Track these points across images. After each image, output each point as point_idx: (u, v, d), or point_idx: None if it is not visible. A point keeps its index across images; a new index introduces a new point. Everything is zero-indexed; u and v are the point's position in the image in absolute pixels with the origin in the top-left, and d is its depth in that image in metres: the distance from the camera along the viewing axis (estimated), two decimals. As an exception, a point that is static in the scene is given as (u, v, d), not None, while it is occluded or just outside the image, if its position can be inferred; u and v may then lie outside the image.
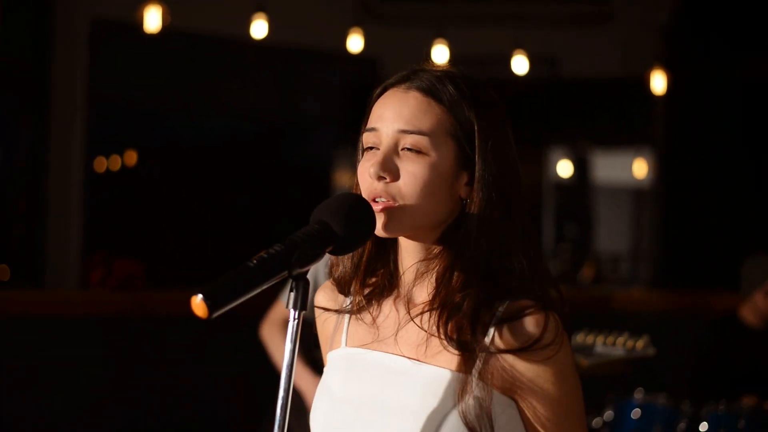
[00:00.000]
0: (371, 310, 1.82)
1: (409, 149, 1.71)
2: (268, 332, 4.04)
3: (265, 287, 1.65)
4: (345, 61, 7.89)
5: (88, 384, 5.35)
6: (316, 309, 1.92)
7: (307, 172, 9.02)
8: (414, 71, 1.77)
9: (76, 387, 5.33)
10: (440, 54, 6.26)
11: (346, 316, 1.85)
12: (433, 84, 1.73)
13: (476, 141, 1.72)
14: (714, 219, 8.05)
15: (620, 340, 4.03)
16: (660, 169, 8.48)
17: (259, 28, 5.88)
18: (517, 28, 7.19)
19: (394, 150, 1.72)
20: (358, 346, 1.81)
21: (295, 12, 7.70)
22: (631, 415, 4.94)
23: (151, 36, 6.16)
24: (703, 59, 7.94)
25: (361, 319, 1.83)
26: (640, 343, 4.04)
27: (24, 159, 7.45)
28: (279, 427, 1.64)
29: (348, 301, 1.86)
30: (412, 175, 1.70)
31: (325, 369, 1.87)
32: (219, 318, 4.28)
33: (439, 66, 1.80)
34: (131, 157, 9.31)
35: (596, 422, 4.99)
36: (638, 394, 5.02)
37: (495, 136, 1.73)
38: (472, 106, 1.72)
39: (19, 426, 5.22)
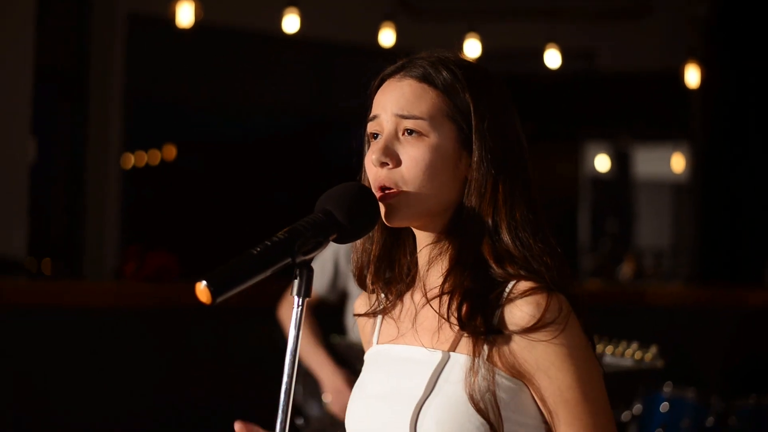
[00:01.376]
0: (396, 305, 1.84)
1: (409, 132, 1.73)
2: (285, 313, 4.09)
3: (268, 274, 1.67)
4: (380, 55, 7.90)
5: (126, 374, 5.40)
6: (357, 320, 1.95)
7: (343, 166, 9.03)
8: (409, 60, 1.79)
9: (114, 377, 5.38)
10: (472, 48, 6.25)
11: (379, 318, 1.88)
12: (426, 70, 1.75)
13: (473, 120, 1.73)
14: (751, 213, 7.99)
15: (629, 351, 4.01)
16: (697, 163, 8.42)
17: (291, 23, 5.91)
18: (551, 22, 7.17)
19: (395, 135, 1.75)
20: (387, 342, 1.84)
21: (330, 6, 7.72)
22: (660, 409, 4.92)
23: (187, 31, 6.21)
24: (740, 52, 7.88)
25: (390, 316, 1.85)
26: (648, 355, 4.02)
27: (62, 153, 7.54)
28: (282, 411, 1.67)
29: (376, 300, 1.88)
30: (413, 159, 1.72)
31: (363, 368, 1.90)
32: (253, 309, 4.32)
33: (433, 53, 1.81)
34: (169, 152, 9.39)
35: (625, 416, 4.97)
36: (667, 388, 5.01)
37: (492, 114, 1.74)
38: (466, 88, 1.74)
39: (57, 416, 5.28)
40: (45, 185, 7.49)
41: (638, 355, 3.99)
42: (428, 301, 1.75)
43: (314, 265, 4.07)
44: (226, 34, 7.99)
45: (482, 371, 1.67)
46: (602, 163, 10.83)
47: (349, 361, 3.95)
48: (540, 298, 1.66)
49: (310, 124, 9.30)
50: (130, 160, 8.86)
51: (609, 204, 11.34)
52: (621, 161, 11.24)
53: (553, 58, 6.51)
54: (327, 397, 4.06)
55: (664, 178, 11.80)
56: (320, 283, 4.01)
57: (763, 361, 5.44)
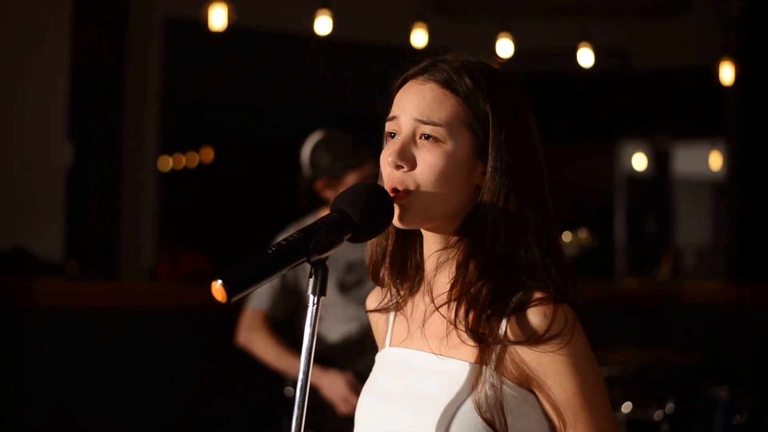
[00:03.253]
0: (406, 307, 1.86)
1: (426, 137, 1.74)
2: (245, 337, 4.11)
3: (283, 273, 1.69)
4: (413, 55, 7.92)
5: (160, 374, 5.45)
6: (369, 315, 1.97)
7: (379, 166, 9.04)
8: (433, 62, 1.81)
9: (148, 377, 5.43)
10: (505, 48, 6.25)
11: (391, 316, 1.90)
12: (449, 76, 1.76)
13: (490, 131, 1.74)
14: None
15: (566, 238, 4.05)
16: (734, 161, 8.36)
17: (324, 24, 5.94)
18: (584, 21, 7.15)
19: (412, 139, 1.76)
20: (397, 345, 1.86)
21: (362, 7, 7.74)
22: (693, 408, 4.90)
23: (221, 34, 6.25)
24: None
25: (402, 313, 1.87)
26: (584, 237, 4.08)
27: (99, 156, 7.61)
28: (299, 407, 1.69)
29: (390, 296, 1.89)
30: (428, 164, 1.73)
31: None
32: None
33: (458, 57, 1.82)
34: (208, 154, 9.45)
35: (658, 414, 4.96)
36: (700, 387, 4.98)
37: (510, 126, 1.74)
38: (487, 97, 1.74)
39: (91, 415, 5.33)
40: (82, 189, 7.56)
41: (575, 240, 4.03)
42: (437, 308, 1.77)
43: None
44: (259, 36, 8.03)
45: (489, 380, 1.69)
46: (639, 161, 10.77)
47: (336, 363, 3.97)
48: (547, 309, 1.68)
49: (345, 124, 9.32)
50: (168, 162, 8.93)
51: (647, 203, 11.27)
52: (659, 160, 11.17)
53: (586, 57, 6.49)
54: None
55: (703, 177, 11.71)
56: (265, 301, 4.03)
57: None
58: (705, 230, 11.78)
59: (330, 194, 4.11)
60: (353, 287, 4.01)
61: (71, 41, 6.52)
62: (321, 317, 4.10)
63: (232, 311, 5.60)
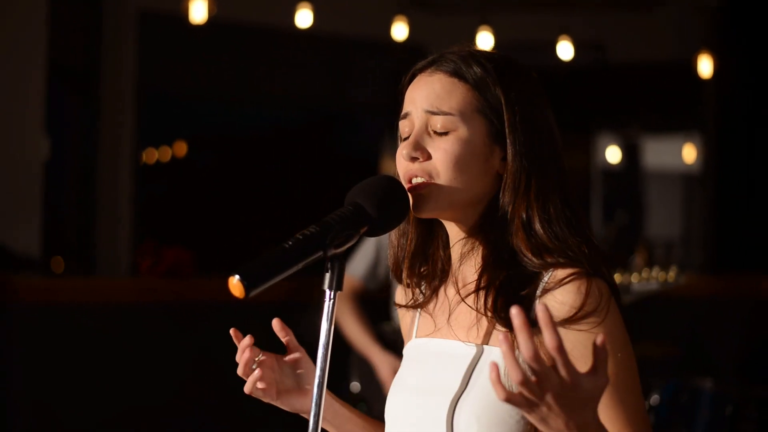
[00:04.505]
0: (432, 299, 1.84)
1: (438, 133, 1.74)
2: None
3: (299, 268, 1.67)
4: (392, 49, 7.91)
5: (140, 370, 5.41)
6: (398, 308, 1.96)
7: (355, 160, 9.04)
8: (440, 55, 1.80)
9: (131, 373, 5.39)
10: (485, 41, 6.25)
11: (418, 310, 1.88)
12: (457, 65, 1.76)
13: (504, 114, 1.73)
14: (763, 203, 7.97)
15: (653, 274, 4.08)
16: (709, 153, 8.41)
17: (304, 18, 5.92)
18: (562, 14, 7.16)
19: (425, 131, 1.75)
20: (424, 336, 1.84)
21: (342, 0, 7.72)
22: (678, 400, 4.92)
23: (199, 27, 6.22)
24: (752, 42, 7.86)
25: (426, 310, 1.86)
26: (672, 275, 4.11)
27: (75, 150, 7.55)
28: (316, 404, 1.67)
29: (412, 295, 1.88)
30: (443, 150, 1.72)
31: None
32: (269, 304, 4.33)
33: (465, 47, 1.82)
34: (181, 148, 9.40)
35: (642, 407, 4.98)
36: (685, 379, 5.00)
37: (523, 107, 1.74)
38: (497, 81, 1.74)
39: (73, 413, 5.29)
40: (58, 183, 7.50)
41: (662, 276, 4.06)
42: (463, 298, 1.75)
43: (357, 253, 4.13)
44: (238, 30, 7.99)
45: (523, 364, 1.66)
46: (613, 154, 10.82)
47: (398, 347, 4.02)
48: (580, 284, 1.66)
49: (321, 118, 9.31)
50: (143, 156, 8.87)
51: (620, 195, 11.33)
52: (630, 152, 11.22)
53: (565, 50, 6.51)
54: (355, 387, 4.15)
55: (675, 169, 11.78)
56: (361, 270, 4.12)
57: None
58: (675, 223, 11.85)
59: None
60: None
61: (47, 35, 6.46)
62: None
63: (216, 306, 5.58)
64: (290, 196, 8.87)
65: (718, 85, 7.72)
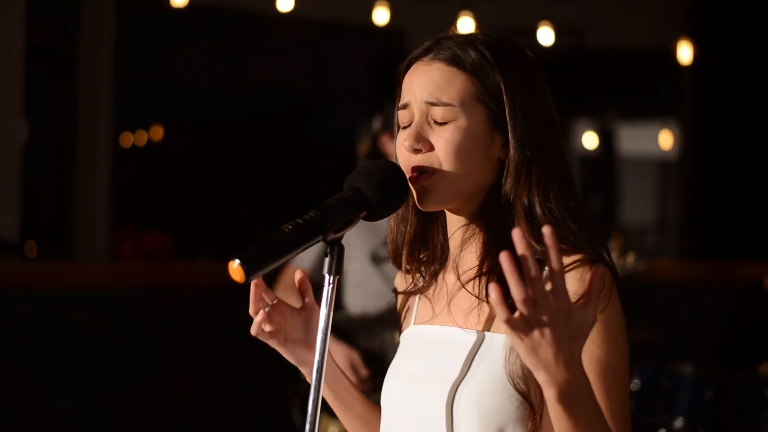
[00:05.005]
0: (431, 285, 1.84)
1: (439, 123, 1.73)
2: (280, 294, 4.13)
3: (299, 252, 1.68)
4: (371, 34, 7.89)
5: (121, 355, 5.40)
6: (396, 293, 1.95)
7: (332, 144, 9.04)
8: (436, 41, 1.78)
9: (110, 358, 5.38)
10: (466, 26, 6.24)
11: (416, 297, 1.87)
12: (454, 52, 1.74)
13: (505, 101, 1.73)
14: (741, 189, 8.02)
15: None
16: (687, 140, 8.44)
17: (285, 2, 5.89)
18: (543, -1, 7.17)
19: (426, 121, 1.74)
20: (423, 323, 1.84)
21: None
22: (658, 385, 4.94)
23: (177, 10, 6.18)
24: (732, 28, 7.89)
25: (426, 295, 1.85)
26: (630, 261, 4.13)
27: (52, 134, 7.51)
28: (315, 390, 1.67)
29: (412, 281, 1.88)
30: (445, 140, 1.71)
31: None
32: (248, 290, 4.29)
33: (461, 32, 1.81)
34: (159, 132, 9.37)
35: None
36: (665, 364, 5.03)
37: (523, 93, 1.73)
38: (496, 68, 1.73)
39: (51, 399, 5.27)
40: (36, 166, 7.46)
41: (620, 262, 4.06)
42: (463, 285, 1.75)
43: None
44: (218, 13, 7.96)
45: None
46: (590, 140, 10.85)
47: (352, 335, 3.99)
48: (584, 272, 1.66)
49: (299, 103, 9.29)
50: (120, 139, 8.83)
51: (595, 181, 11.38)
52: (607, 138, 11.26)
53: (546, 36, 6.50)
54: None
55: (650, 156, 11.83)
56: (309, 260, 4.04)
57: (758, 335, 5.47)
58: (650, 209, 11.91)
59: (392, 148, 4.13)
60: (386, 261, 4.03)
61: (25, 17, 6.41)
62: (346, 284, 4.13)
63: (195, 290, 5.57)
64: (267, 181, 8.86)
65: (697, 71, 7.75)
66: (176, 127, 9.28)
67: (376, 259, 4.05)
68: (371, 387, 3.65)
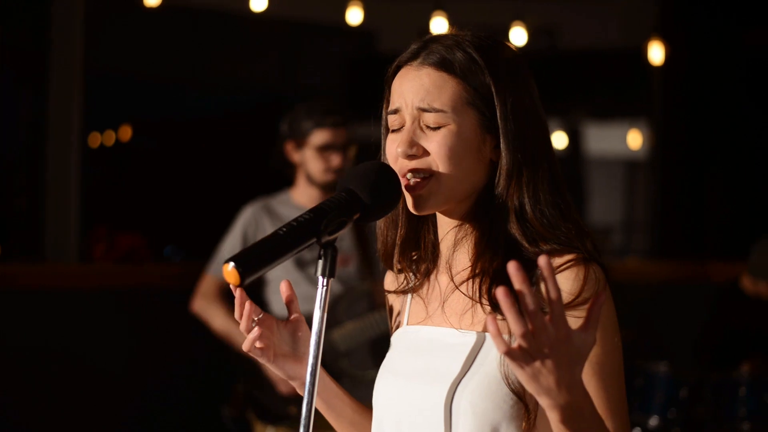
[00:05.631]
0: (423, 284, 1.84)
1: (431, 128, 1.73)
2: (200, 304, 4.13)
3: (294, 254, 1.67)
4: (343, 33, 7.88)
5: (93, 357, 5.36)
6: (387, 296, 1.95)
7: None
8: (424, 45, 1.78)
9: (82, 361, 5.34)
10: (439, 26, 6.24)
11: (408, 297, 1.88)
12: (443, 56, 1.74)
13: (495, 104, 1.73)
14: (711, 190, 8.07)
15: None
16: (657, 139, 8.49)
17: (259, 1, 5.86)
18: (515, -1, 7.17)
19: (418, 126, 1.74)
20: (416, 324, 1.84)
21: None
22: (634, 384, 4.97)
23: (149, 9, 6.14)
24: (704, 29, 7.94)
25: (418, 295, 1.85)
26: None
27: (23, 133, 7.44)
28: (308, 392, 1.67)
29: (404, 280, 1.88)
30: (438, 144, 1.72)
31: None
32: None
33: (448, 34, 1.80)
34: (127, 132, 9.32)
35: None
36: (640, 362, 5.06)
37: (513, 94, 1.74)
38: (486, 71, 1.73)
39: (22, 401, 5.23)
40: (7, 166, 7.40)
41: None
42: (457, 286, 1.76)
43: (223, 246, 4.03)
44: (190, 12, 7.93)
45: None
46: (558, 140, 10.89)
47: None
48: (578, 271, 1.67)
49: (270, 103, 9.27)
50: (90, 139, 8.77)
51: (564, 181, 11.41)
52: (574, 138, 11.30)
53: (519, 36, 6.51)
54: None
55: (618, 155, 11.89)
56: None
57: (735, 335, 5.52)
58: (616, 208, 11.97)
59: (297, 157, 4.10)
60: (310, 263, 4.00)
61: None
62: (270, 285, 4.10)
63: (170, 292, 5.54)
64: (237, 181, 8.83)
65: (667, 71, 7.79)
66: (145, 127, 9.23)
67: (300, 263, 4.03)
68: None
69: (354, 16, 6.22)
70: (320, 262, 1.68)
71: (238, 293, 1.75)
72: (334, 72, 8.79)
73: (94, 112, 8.01)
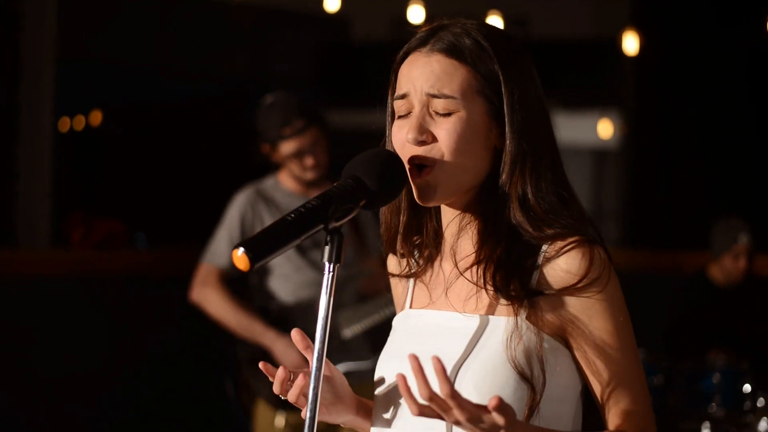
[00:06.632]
0: (427, 270, 1.86)
1: (440, 114, 1.74)
2: (199, 293, 4.13)
3: (302, 240, 1.69)
4: (316, 21, 7.88)
5: (73, 344, 5.34)
6: (390, 279, 1.96)
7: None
8: (433, 31, 1.79)
9: (60, 347, 5.32)
10: (416, 14, 6.25)
11: (411, 280, 1.89)
12: (453, 43, 1.75)
13: (503, 93, 1.75)
14: (681, 180, 8.13)
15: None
16: (629, 129, 8.55)
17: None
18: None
19: (427, 112, 1.75)
20: (419, 308, 1.86)
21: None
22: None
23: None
24: (678, 20, 7.99)
25: (422, 280, 1.87)
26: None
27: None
28: (315, 378, 1.68)
29: (407, 265, 1.89)
30: (446, 131, 1.73)
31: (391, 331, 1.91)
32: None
33: (457, 21, 1.81)
34: (99, 116, 9.28)
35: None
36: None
37: (521, 84, 1.76)
38: (495, 60, 1.75)
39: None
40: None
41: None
42: (461, 273, 1.77)
43: (217, 239, 4.04)
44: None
45: (526, 333, 1.70)
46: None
47: (288, 322, 3.98)
48: (584, 252, 1.70)
49: (239, 89, 9.24)
50: (60, 125, 8.72)
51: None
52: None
53: (495, 25, 6.53)
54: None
55: (585, 144, 11.95)
56: (226, 256, 4.02)
57: (703, 324, 5.58)
58: (584, 198, 12.03)
59: (276, 158, 4.10)
60: (309, 249, 4.01)
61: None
62: (273, 276, 4.10)
63: (148, 277, 5.53)
64: (206, 167, 8.81)
65: (641, 61, 7.84)
66: (115, 112, 9.19)
67: (301, 249, 4.04)
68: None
69: (331, 4, 6.22)
70: (327, 248, 1.69)
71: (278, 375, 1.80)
72: (306, 59, 8.78)
73: (64, 97, 7.97)
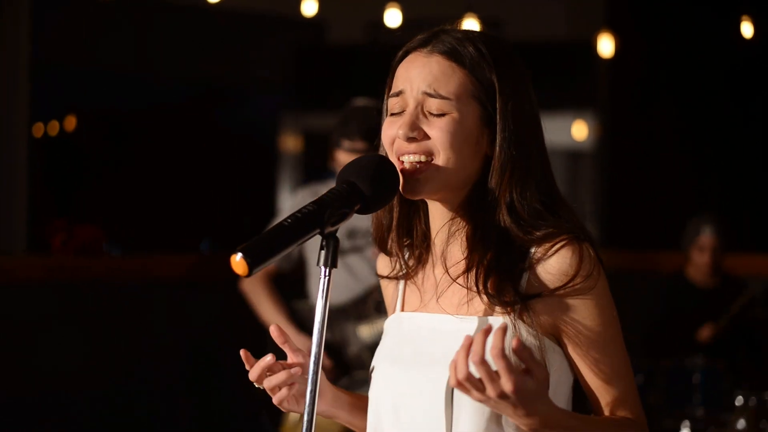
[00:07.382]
0: (418, 272, 1.88)
1: (434, 114, 1.77)
2: (249, 285, 4.18)
3: (298, 245, 1.71)
4: (292, 24, 7.87)
5: (49, 351, 5.32)
6: (380, 281, 1.99)
7: (250, 135, 9.00)
8: (435, 34, 1.82)
9: (39, 353, 5.30)
10: (393, 18, 6.26)
11: (401, 282, 1.91)
12: (454, 47, 1.78)
13: (497, 102, 1.77)
14: (657, 181, 8.18)
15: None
16: (604, 130, 8.59)
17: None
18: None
19: (420, 111, 1.77)
20: (410, 311, 1.88)
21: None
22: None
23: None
24: (654, 22, 8.03)
25: (413, 282, 1.89)
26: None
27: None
28: (312, 381, 1.70)
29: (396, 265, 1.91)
30: (439, 129, 1.76)
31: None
32: (179, 283, 4.30)
33: (458, 27, 1.85)
34: (73, 122, 9.23)
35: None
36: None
37: (515, 95, 1.78)
38: (493, 68, 1.77)
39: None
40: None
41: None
42: (454, 279, 1.79)
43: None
44: (135, 2, 7.88)
45: (524, 335, 1.72)
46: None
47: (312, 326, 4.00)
48: (573, 250, 1.74)
49: (216, 92, 9.23)
50: (34, 130, 8.67)
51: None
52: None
53: (471, 28, 6.54)
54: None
55: (561, 145, 11.98)
56: None
57: (681, 324, 5.62)
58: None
59: (331, 161, 4.09)
60: (348, 253, 4.04)
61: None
62: (310, 274, 4.15)
63: (124, 284, 5.52)
64: (183, 172, 8.79)
65: (617, 63, 7.88)
66: (90, 118, 9.15)
67: (340, 253, 4.05)
68: (332, 378, 3.67)
69: (309, 8, 6.22)
70: (322, 253, 1.72)
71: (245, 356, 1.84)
72: (283, 63, 8.78)
73: (38, 102, 7.94)
